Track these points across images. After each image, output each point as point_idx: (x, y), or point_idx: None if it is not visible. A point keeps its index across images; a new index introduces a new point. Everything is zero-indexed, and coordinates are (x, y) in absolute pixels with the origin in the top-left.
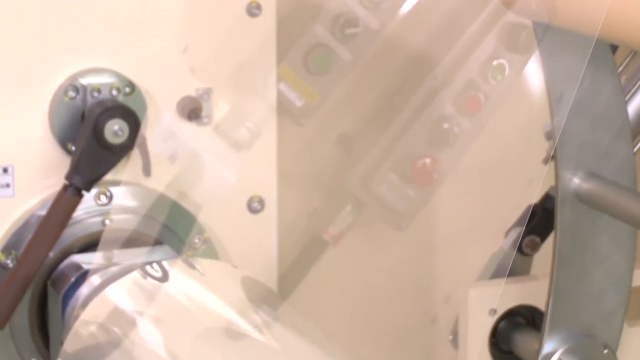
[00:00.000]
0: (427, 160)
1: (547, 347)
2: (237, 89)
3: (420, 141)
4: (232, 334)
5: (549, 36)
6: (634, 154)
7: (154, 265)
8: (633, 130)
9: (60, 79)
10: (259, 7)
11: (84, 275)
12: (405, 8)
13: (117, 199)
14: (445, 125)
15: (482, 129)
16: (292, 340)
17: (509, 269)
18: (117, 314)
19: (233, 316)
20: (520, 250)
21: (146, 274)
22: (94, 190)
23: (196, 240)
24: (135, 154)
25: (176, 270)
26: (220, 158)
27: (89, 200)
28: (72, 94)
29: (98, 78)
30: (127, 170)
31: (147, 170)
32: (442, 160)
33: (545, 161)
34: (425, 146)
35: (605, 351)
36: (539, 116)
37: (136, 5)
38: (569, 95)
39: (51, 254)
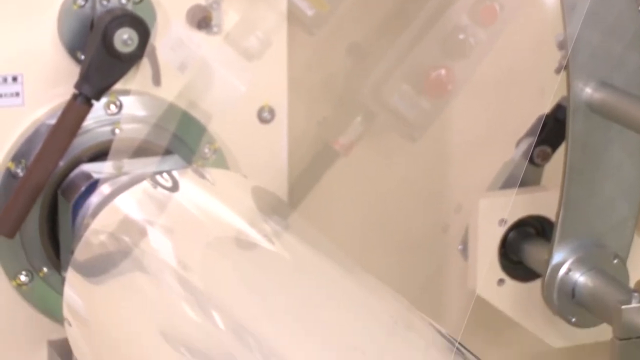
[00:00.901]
0: (442, 72)
1: (557, 257)
2: None
3: (434, 52)
4: (242, 243)
5: None
6: None
7: (164, 174)
8: None
9: None
10: None
11: (94, 185)
12: None
13: (127, 109)
14: (461, 36)
15: (497, 39)
16: (301, 249)
17: (520, 179)
18: (127, 223)
19: (243, 226)
20: (531, 160)
21: (156, 184)
22: (103, 100)
23: (206, 150)
24: (145, 63)
25: (186, 179)
26: (230, 67)
27: (98, 109)
28: (81, 2)
29: None
30: (137, 79)
31: (156, 80)
32: (457, 72)
33: (558, 71)
34: (439, 57)
35: (615, 261)
36: (552, 26)
37: None
38: (582, 4)
39: (61, 163)
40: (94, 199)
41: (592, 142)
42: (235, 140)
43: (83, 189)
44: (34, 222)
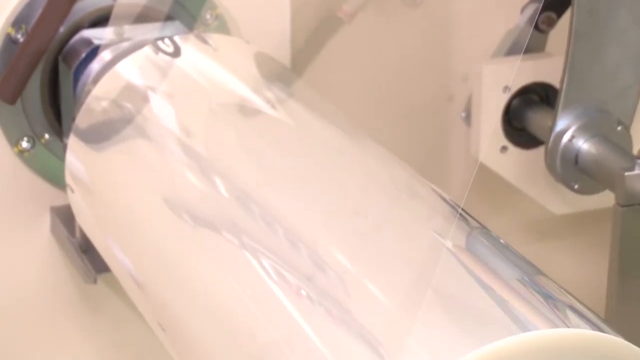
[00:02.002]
0: None
1: (561, 124)
2: None
3: None
4: (245, 110)
5: None
6: None
7: (166, 40)
8: None
9: None
10: None
11: (95, 51)
12: None
13: None
14: None
15: None
16: (305, 116)
17: (524, 46)
18: (129, 90)
19: (246, 92)
20: (536, 26)
21: (158, 50)
22: None
23: (208, 16)
24: None
25: (188, 45)
26: None
27: None
28: None
29: None
30: None
31: None
32: None
33: None
34: None
35: (619, 128)
36: None
37: None
38: None
39: (61, 29)
40: (95, 66)
41: (598, 6)
42: (238, 6)
43: (84, 55)
44: (35, 89)
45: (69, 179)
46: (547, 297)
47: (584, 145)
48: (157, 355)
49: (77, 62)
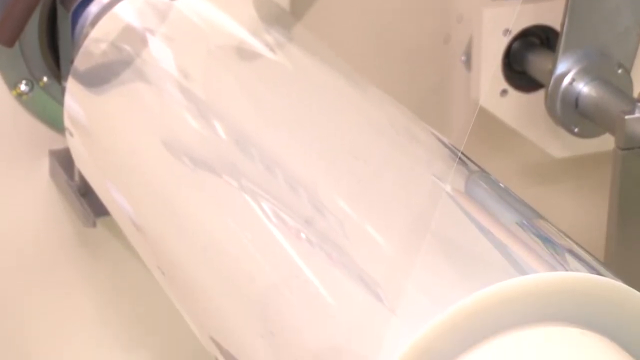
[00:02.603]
0: None
1: (561, 67)
2: None
3: None
4: (244, 53)
5: None
6: None
7: None
8: None
9: None
10: None
11: None
12: None
13: None
14: None
15: None
16: (304, 60)
17: None
18: (127, 32)
19: (245, 35)
20: None
21: None
22: None
23: None
24: None
25: None
26: None
27: None
28: None
29: None
30: None
31: None
32: None
33: None
34: None
35: (620, 71)
36: None
37: None
38: None
39: None
40: (93, 8)
41: None
42: None
43: None
44: (33, 32)
45: (67, 123)
46: (546, 240)
47: (584, 88)
48: (156, 298)
49: (75, 5)
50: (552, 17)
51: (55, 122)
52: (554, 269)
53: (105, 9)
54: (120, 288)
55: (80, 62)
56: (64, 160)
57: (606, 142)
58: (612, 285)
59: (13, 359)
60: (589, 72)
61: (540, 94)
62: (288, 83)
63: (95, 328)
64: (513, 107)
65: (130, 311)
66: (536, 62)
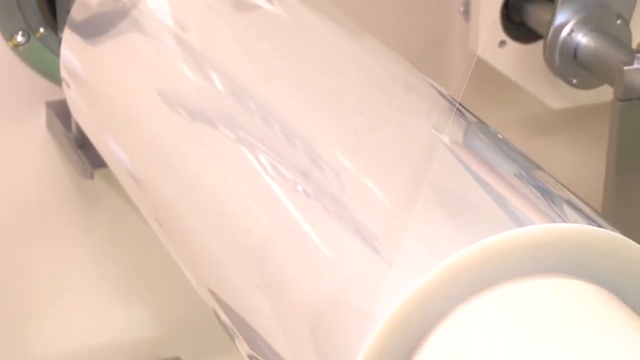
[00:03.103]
0: None
1: (560, 18)
2: None
3: None
4: (241, 4)
5: None
6: None
7: None
8: None
9: None
10: None
11: None
12: None
13: None
14: None
15: None
16: (302, 11)
17: None
18: None
19: None
20: None
21: None
22: None
23: None
24: None
25: None
26: None
27: None
28: None
29: None
30: None
31: None
32: None
33: None
34: None
35: (619, 21)
36: None
37: None
38: None
39: None
40: None
41: None
42: None
43: None
44: None
45: (64, 74)
46: (544, 192)
47: (583, 39)
48: (154, 250)
49: None
50: None
51: (51, 73)
52: (552, 220)
53: None
54: (118, 240)
55: (77, 12)
56: (61, 112)
57: (604, 93)
58: (610, 236)
59: (12, 311)
60: (587, 22)
61: (538, 45)
62: (285, 34)
63: (94, 280)
64: (511, 58)
65: (128, 263)
66: (535, 12)
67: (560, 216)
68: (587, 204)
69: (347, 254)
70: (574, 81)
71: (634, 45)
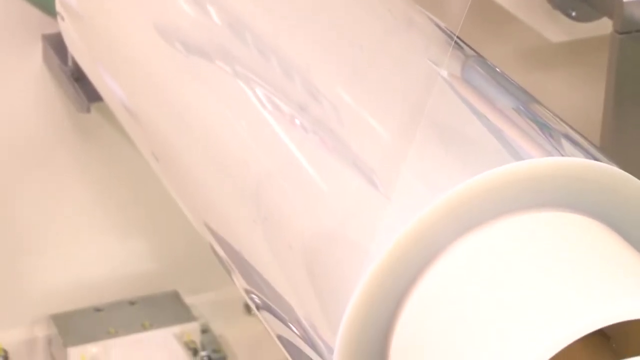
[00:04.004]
0: None
1: None
2: None
3: None
4: None
5: None
6: None
7: None
8: None
9: None
10: None
11: None
12: None
13: None
14: None
15: None
16: None
17: None
18: None
19: None
20: None
21: None
22: None
23: None
24: None
25: None
26: None
27: None
28: None
29: None
30: None
31: None
32: None
33: None
34: None
35: None
36: None
37: None
38: None
39: None
40: None
41: None
42: None
43: None
44: None
45: (59, 7)
46: (543, 125)
47: None
48: (151, 184)
49: None
50: None
51: (47, 6)
52: (549, 154)
53: None
54: (115, 174)
55: None
56: (57, 45)
57: (603, 26)
58: (608, 170)
59: (9, 246)
60: None
61: None
62: None
63: (91, 214)
64: None
65: (125, 197)
66: None
67: (558, 150)
68: (585, 138)
69: (345, 188)
70: (573, 14)
71: None
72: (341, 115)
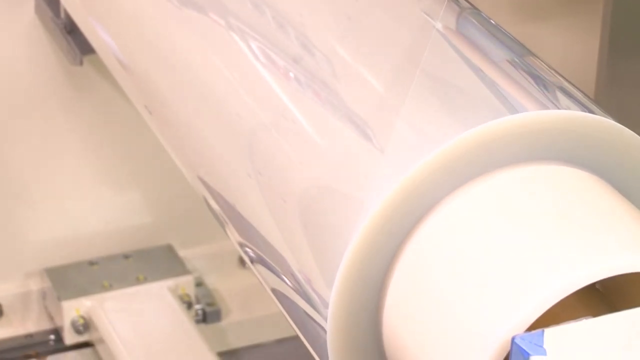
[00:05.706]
0: None
1: None
2: None
3: None
4: None
5: None
6: None
7: None
8: None
9: None
10: None
11: None
12: None
13: None
14: None
15: None
16: None
17: None
18: None
19: None
20: None
21: None
22: None
23: None
24: None
25: None
26: None
27: None
28: None
29: None
30: None
31: None
32: None
33: None
34: None
35: None
36: None
37: None
38: None
39: None
40: None
41: None
42: None
43: None
44: None
45: None
46: (537, 78)
47: None
48: (144, 138)
49: None
50: None
51: None
52: (544, 107)
53: None
54: (108, 127)
55: None
56: None
57: None
58: (602, 122)
59: (3, 200)
60: None
61: None
62: None
63: (84, 167)
64: None
65: (118, 150)
66: None
67: (553, 102)
68: (580, 91)
69: (338, 140)
70: None
71: None
72: (335, 68)
